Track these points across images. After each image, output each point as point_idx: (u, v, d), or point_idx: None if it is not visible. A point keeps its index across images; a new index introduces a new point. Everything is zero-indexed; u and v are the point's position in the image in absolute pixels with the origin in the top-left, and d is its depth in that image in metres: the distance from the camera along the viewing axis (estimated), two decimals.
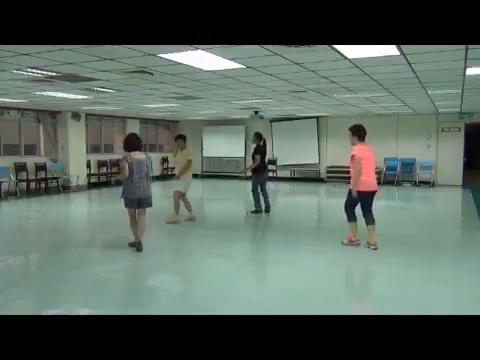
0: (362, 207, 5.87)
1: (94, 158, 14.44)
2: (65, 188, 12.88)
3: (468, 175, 14.39)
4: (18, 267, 5.34)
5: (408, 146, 14.50)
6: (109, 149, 15.45)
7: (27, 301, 4.09)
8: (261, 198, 8.75)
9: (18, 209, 10.27)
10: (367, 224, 5.84)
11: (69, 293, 4.25)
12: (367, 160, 5.74)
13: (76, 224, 8.62)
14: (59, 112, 12.92)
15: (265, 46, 4.59)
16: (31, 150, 13.20)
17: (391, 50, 4.78)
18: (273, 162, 15.71)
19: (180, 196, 7.63)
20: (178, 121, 17.82)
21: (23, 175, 12.10)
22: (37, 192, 12.13)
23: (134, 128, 14.79)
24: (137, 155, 5.76)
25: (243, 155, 16.86)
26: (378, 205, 9.76)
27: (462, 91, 8.44)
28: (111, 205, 10.37)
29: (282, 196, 12.98)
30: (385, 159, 14.59)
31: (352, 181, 5.77)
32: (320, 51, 4.83)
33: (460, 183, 14.02)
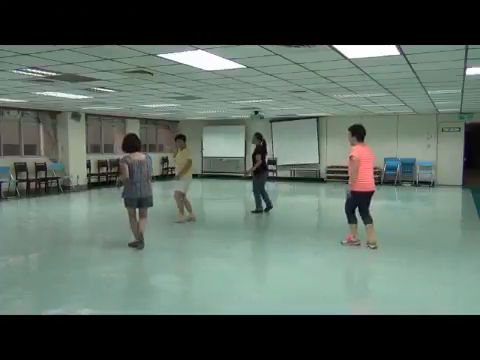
0: (359, 208, 5.88)
1: (94, 158, 14.44)
2: (65, 188, 12.88)
3: (468, 175, 14.39)
4: (18, 267, 5.34)
5: (408, 146, 14.50)
6: (109, 149, 15.45)
7: (27, 301, 4.09)
8: (261, 198, 8.79)
9: (18, 209, 10.27)
10: (365, 223, 5.85)
11: (69, 293, 4.25)
12: (366, 160, 5.75)
13: (76, 224, 8.62)
14: (59, 112, 12.92)
15: (265, 46, 4.59)
16: (31, 150, 13.21)
17: (391, 50, 4.78)
18: (273, 162, 15.70)
19: (181, 196, 7.64)
20: (178, 121, 17.82)
21: (23, 175, 12.10)
22: (37, 192, 12.14)
23: (134, 128, 14.80)
24: (137, 156, 5.77)
25: (243, 155, 16.86)
26: (378, 205, 9.80)
27: (462, 91, 8.44)
28: (111, 205, 10.37)
29: (282, 196, 12.98)
30: (385, 159, 14.59)
31: (350, 181, 5.79)
32: (320, 51, 4.83)
33: (460, 183, 14.02)
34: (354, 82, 7.21)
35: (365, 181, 5.74)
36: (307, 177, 16.07)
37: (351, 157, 5.72)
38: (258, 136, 8.84)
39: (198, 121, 17.22)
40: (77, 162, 13.32)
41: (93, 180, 14.12)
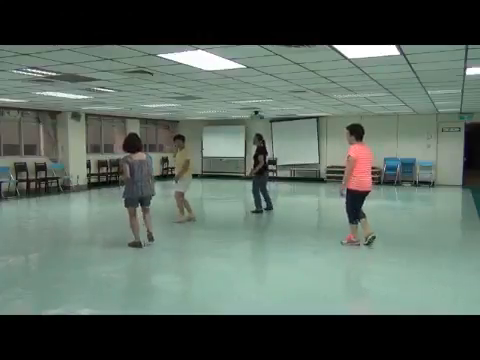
0: (353, 206, 5.86)
1: (94, 158, 14.44)
2: (65, 188, 12.88)
3: (468, 175, 14.39)
4: (18, 267, 5.34)
5: (408, 146, 14.50)
6: (109, 149, 15.46)
7: (27, 301, 4.09)
8: (262, 198, 8.81)
9: (18, 209, 10.26)
10: (359, 219, 5.86)
11: (69, 293, 4.25)
12: (364, 160, 5.75)
13: (76, 224, 8.62)
14: (59, 112, 12.92)
15: (265, 46, 4.59)
16: (31, 150, 13.21)
17: (391, 50, 4.78)
18: (273, 162, 15.70)
19: (181, 196, 7.64)
20: (178, 121, 17.82)
21: (23, 175, 12.10)
22: (37, 192, 12.13)
23: (134, 128, 14.80)
24: (138, 156, 5.78)
25: (243, 155, 16.86)
26: (378, 205, 9.81)
27: (462, 91, 8.43)
28: (111, 205, 10.37)
29: (282, 196, 12.98)
30: (385, 159, 14.59)
31: (349, 180, 5.79)
32: (320, 51, 4.83)
33: (460, 183, 14.02)
34: (354, 82, 7.21)
35: (362, 180, 5.74)
36: (307, 177, 16.07)
37: (348, 157, 5.73)
38: (259, 137, 8.88)
39: (198, 121, 17.22)
40: (77, 162, 13.32)
41: (93, 180, 14.12)
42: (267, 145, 9.27)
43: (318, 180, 15.73)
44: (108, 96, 9.15)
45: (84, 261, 5.44)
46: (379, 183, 14.33)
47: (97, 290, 4.36)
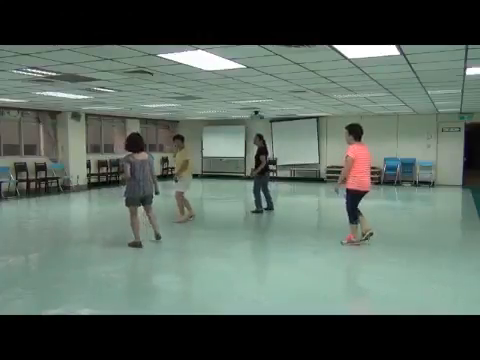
0: (353, 206, 5.86)
1: (94, 158, 14.43)
2: (65, 188, 12.88)
3: (468, 175, 14.39)
4: (18, 267, 5.34)
5: (408, 146, 14.50)
6: (109, 149, 15.45)
7: (27, 301, 4.09)
8: (263, 198, 8.82)
9: (18, 209, 10.26)
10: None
11: (69, 293, 4.25)
12: (362, 160, 5.76)
13: (76, 224, 8.62)
14: (59, 112, 12.92)
15: (265, 46, 4.59)
16: (31, 150, 13.20)
17: (391, 50, 4.78)
18: (273, 162, 15.70)
19: (181, 195, 7.65)
20: (178, 121, 17.82)
21: (23, 175, 12.10)
22: (37, 192, 12.13)
23: (134, 128, 14.80)
24: (141, 156, 5.79)
25: (243, 155, 16.86)
26: (378, 205, 9.82)
27: (462, 91, 8.43)
28: (111, 205, 10.38)
29: (282, 196, 12.97)
30: (385, 159, 14.59)
31: (349, 181, 5.79)
32: (320, 51, 4.83)
33: (460, 183, 14.02)
34: (354, 82, 7.21)
35: (363, 180, 5.74)
36: (307, 177, 16.07)
37: (346, 156, 5.74)
38: (260, 137, 8.90)
39: (198, 121, 17.21)
40: (77, 162, 13.32)
41: (93, 180, 14.11)
42: (267, 145, 9.27)
43: (318, 180, 15.73)
44: (108, 96, 9.15)
45: (84, 261, 5.44)
46: (379, 183, 14.34)
47: (97, 290, 4.36)
